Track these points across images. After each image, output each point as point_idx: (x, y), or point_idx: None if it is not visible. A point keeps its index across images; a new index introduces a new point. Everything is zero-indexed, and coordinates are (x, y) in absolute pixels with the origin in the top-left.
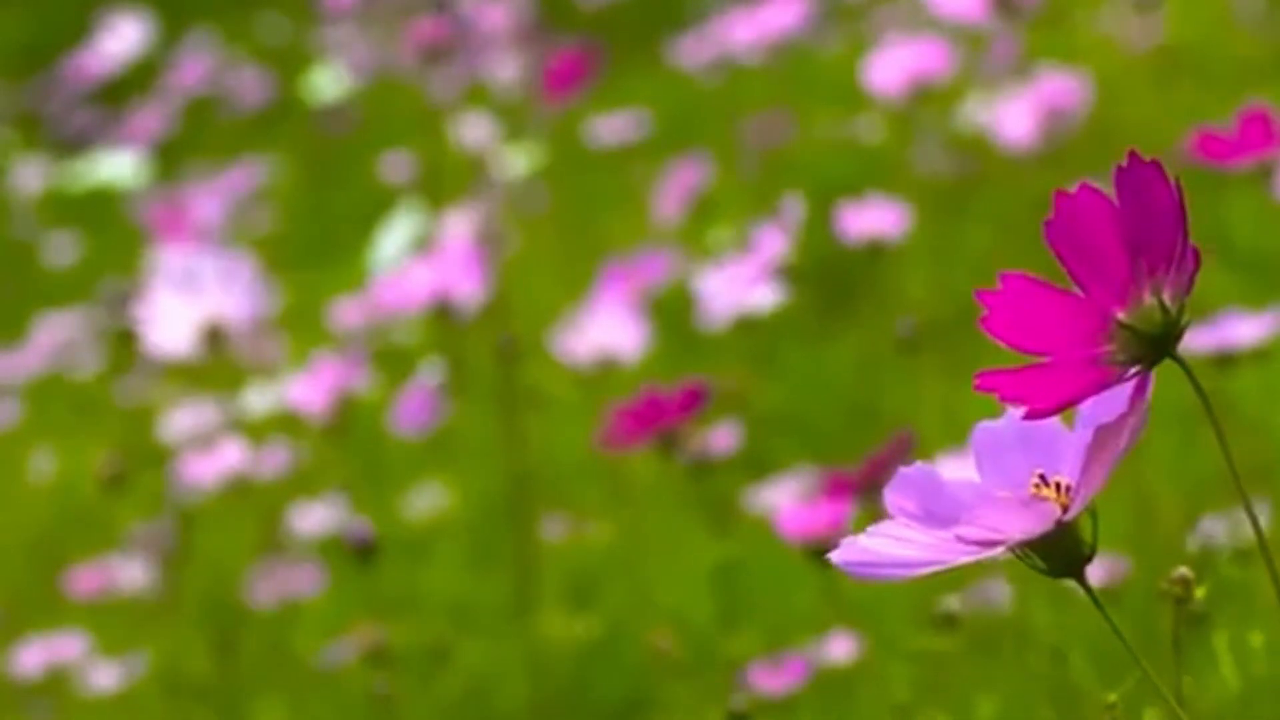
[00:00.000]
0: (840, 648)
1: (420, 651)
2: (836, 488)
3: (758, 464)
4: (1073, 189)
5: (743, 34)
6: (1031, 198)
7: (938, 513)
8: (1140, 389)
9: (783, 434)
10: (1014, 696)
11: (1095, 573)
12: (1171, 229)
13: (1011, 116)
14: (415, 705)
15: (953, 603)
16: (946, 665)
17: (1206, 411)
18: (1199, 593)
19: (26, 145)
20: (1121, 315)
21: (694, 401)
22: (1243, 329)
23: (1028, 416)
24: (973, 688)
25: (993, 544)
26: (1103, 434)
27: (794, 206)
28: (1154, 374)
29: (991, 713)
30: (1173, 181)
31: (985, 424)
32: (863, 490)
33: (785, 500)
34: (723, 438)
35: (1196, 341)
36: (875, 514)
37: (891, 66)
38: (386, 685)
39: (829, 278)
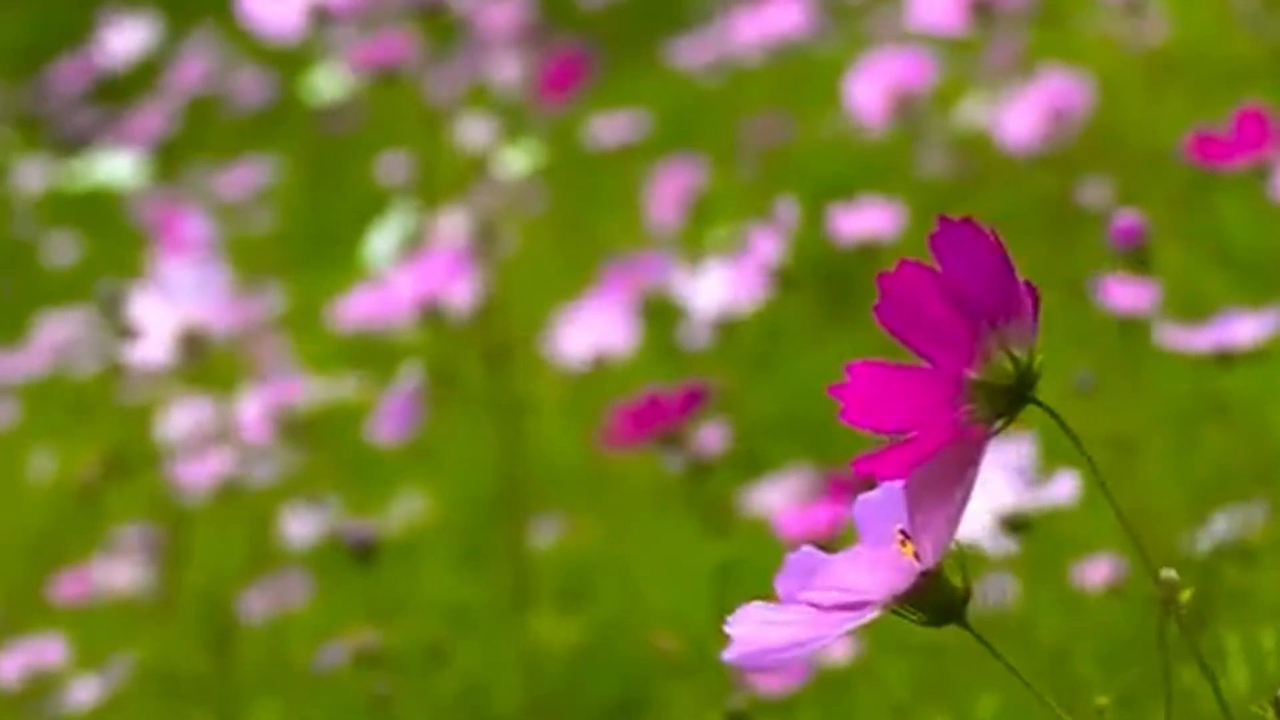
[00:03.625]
0: (839, 647)
1: (415, 653)
2: (836, 488)
3: (753, 465)
4: (892, 269)
5: (743, 34)
6: (1031, 198)
7: (815, 589)
8: (980, 439)
9: (778, 435)
10: (1014, 696)
11: (1097, 572)
12: (1000, 281)
13: (1013, 117)
14: (411, 706)
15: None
16: (946, 664)
17: (1087, 460)
18: (1184, 596)
19: (27, 145)
20: (973, 375)
21: (693, 402)
22: (1241, 328)
23: (905, 489)
24: (972, 687)
25: (861, 606)
26: (927, 481)
27: (789, 208)
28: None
29: (991, 712)
30: (989, 234)
31: (864, 496)
32: (861, 492)
33: (780, 501)
34: (718, 438)
35: (1195, 341)
36: None
37: (872, 81)
38: (385, 686)
39: (827, 278)
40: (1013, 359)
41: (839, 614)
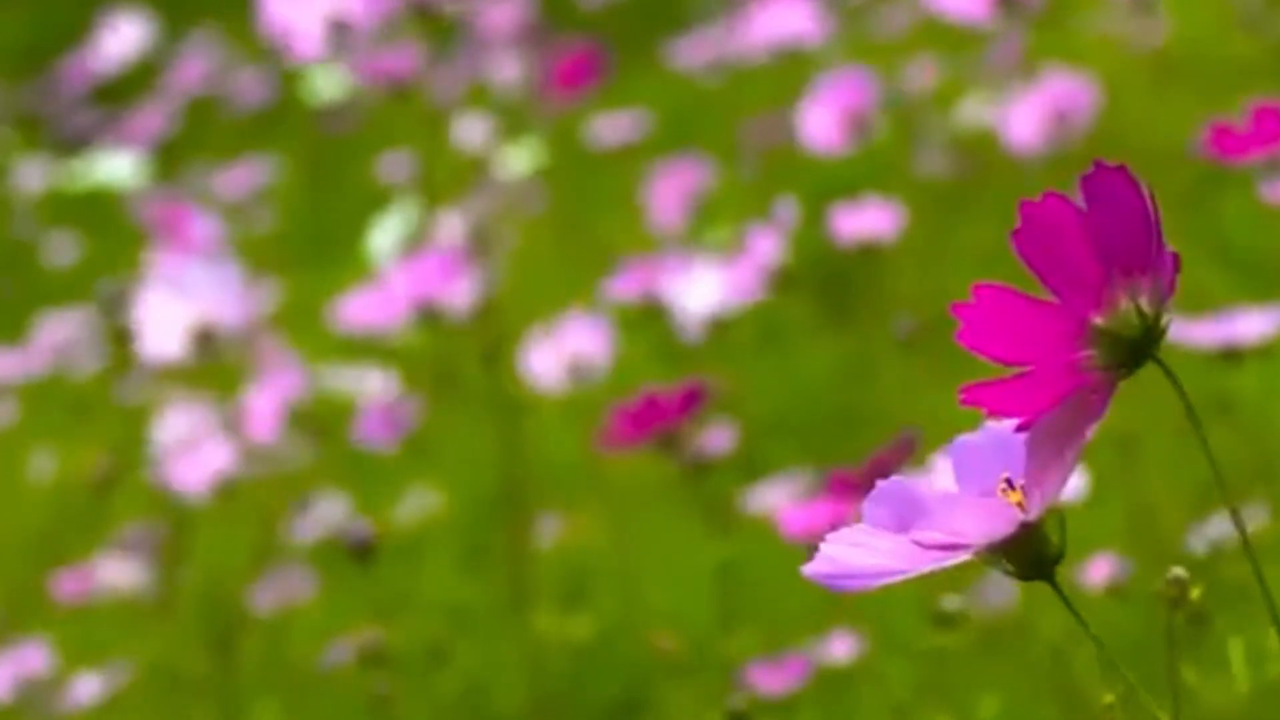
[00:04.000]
0: (840, 647)
1: (417, 653)
2: (839, 488)
3: (752, 465)
4: (1038, 198)
5: (743, 34)
6: (1031, 198)
7: (911, 523)
8: (1102, 392)
9: (778, 435)
10: (1016, 695)
11: (1098, 572)
12: (1142, 233)
13: (1016, 118)
14: (412, 706)
15: (954, 601)
16: (948, 664)
17: (1190, 416)
18: (1194, 593)
19: (27, 145)
20: (1098, 320)
21: (692, 402)
22: (1246, 325)
23: (1017, 429)
24: (974, 687)
25: (956, 548)
26: (1046, 432)
27: (788, 208)
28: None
29: (993, 712)
30: (1142, 186)
31: (962, 438)
32: (865, 490)
33: (780, 501)
34: (719, 438)
35: (1200, 337)
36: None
37: (825, 106)
38: (385, 685)
39: (827, 279)
40: (1140, 312)
41: (931, 552)
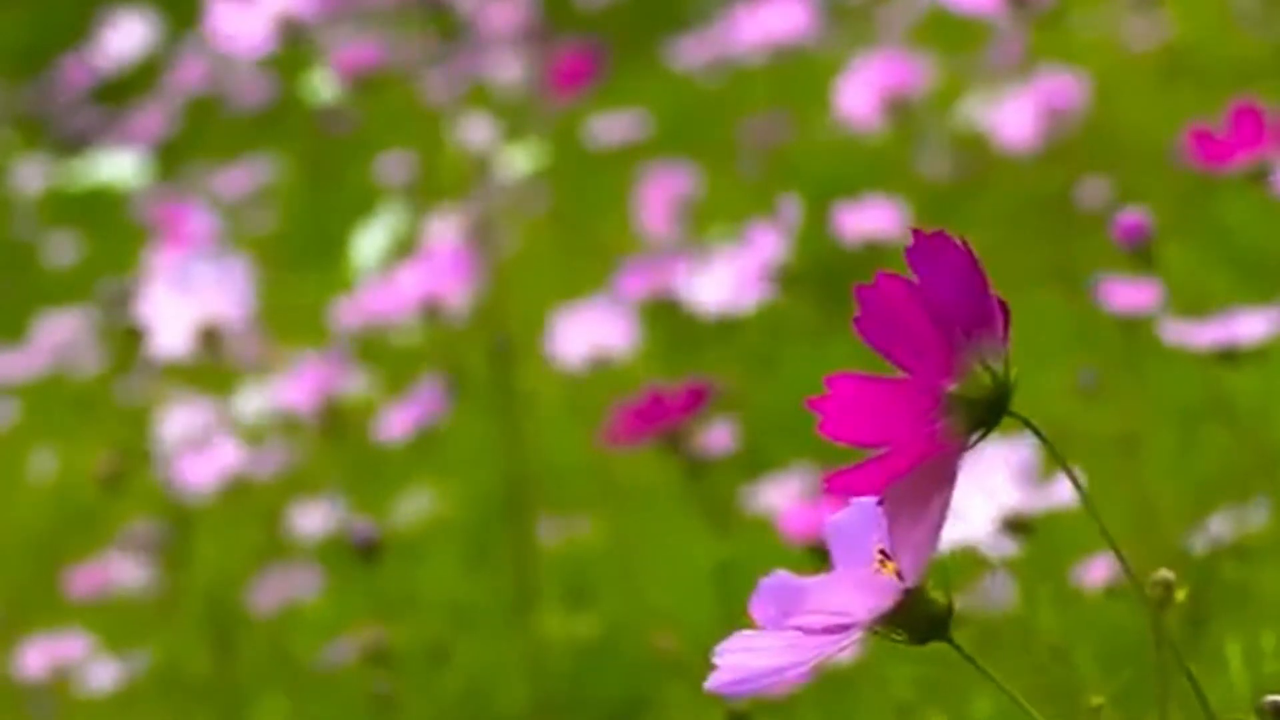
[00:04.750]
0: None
1: (419, 652)
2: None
3: (755, 464)
4: (871, 280)
5: (743, 35)
6: (1032, 198)
7: (794, 613)
8: (956, 451)
9: (781, 434)
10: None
11: (1099, 572)
12: (973, 292)
13: (1012, 117)
14: (415, 705)
15: (955, 601)
16: (948, 666)
17: (1072, 478)
18: (1180, 595)
19: (27, 145)
20: (951, 387)
21: (696, 400)
22: (1245, 326)
23: (879, 504)
24: (974, 689)
25: (844, 628)
26: (903, 497)
27: (791, 207)
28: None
29: (994, 712)
30: (961, 245)
31: (833, 518)
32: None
33: (783, 500)
34: (721, 437)
35: (1199, 338)
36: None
37: (863, 85)
38: (388, 685)
39: (829, 277)
40: (990, 371)
41: (822, 637)
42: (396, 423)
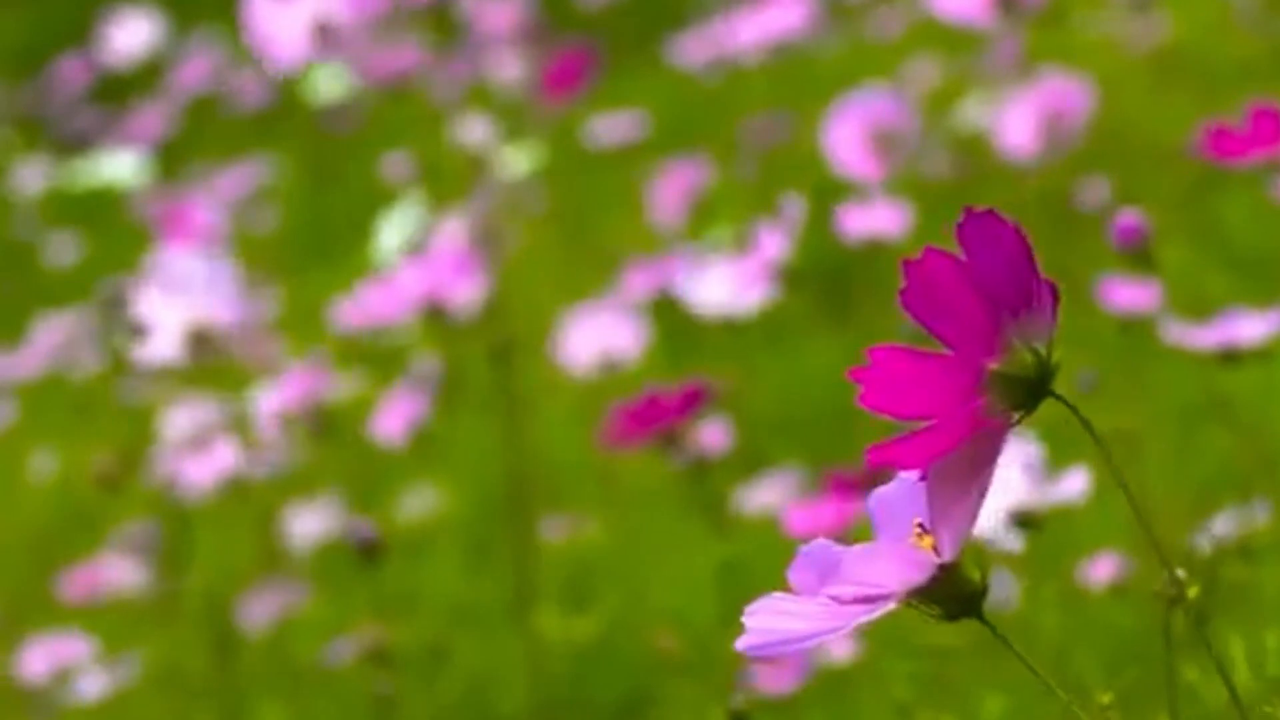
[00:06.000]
0: (841, 646)
1: (420, 652)
2: (840, 486)
3: (755, 464)
4: (919, 255)
5: (743, 34)
6: (1033, 198)
7: (831, 581)
8: (999, 430)
9: (781, 434)
10: (1020, 696)
11: (1101, 571)
12: (1022, 272)
13: (1013, 121)
14: (415, 705)
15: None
16: (949, 663)
17: (1103, 455)
18: (1191, 593)
19: (28, 145)
20: (993, 365)
21: (694, 401)
22: (1245, 327)
23: (923, 479)
24: (976, 686)
25: (879, 599)
26: (946, 475)
27: (794, 206)
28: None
29: (994, 712)
30: (1012, 225)
31: (879, 490)
32: (868, 489)
33: (783, 500)
34: (720, 437)
35: (1200, 339)
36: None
37: (849, 127)
38: (388, 685)
39: (829, 278)
40: (1033, 352)
41: (855, 607)
42: (389, 421)
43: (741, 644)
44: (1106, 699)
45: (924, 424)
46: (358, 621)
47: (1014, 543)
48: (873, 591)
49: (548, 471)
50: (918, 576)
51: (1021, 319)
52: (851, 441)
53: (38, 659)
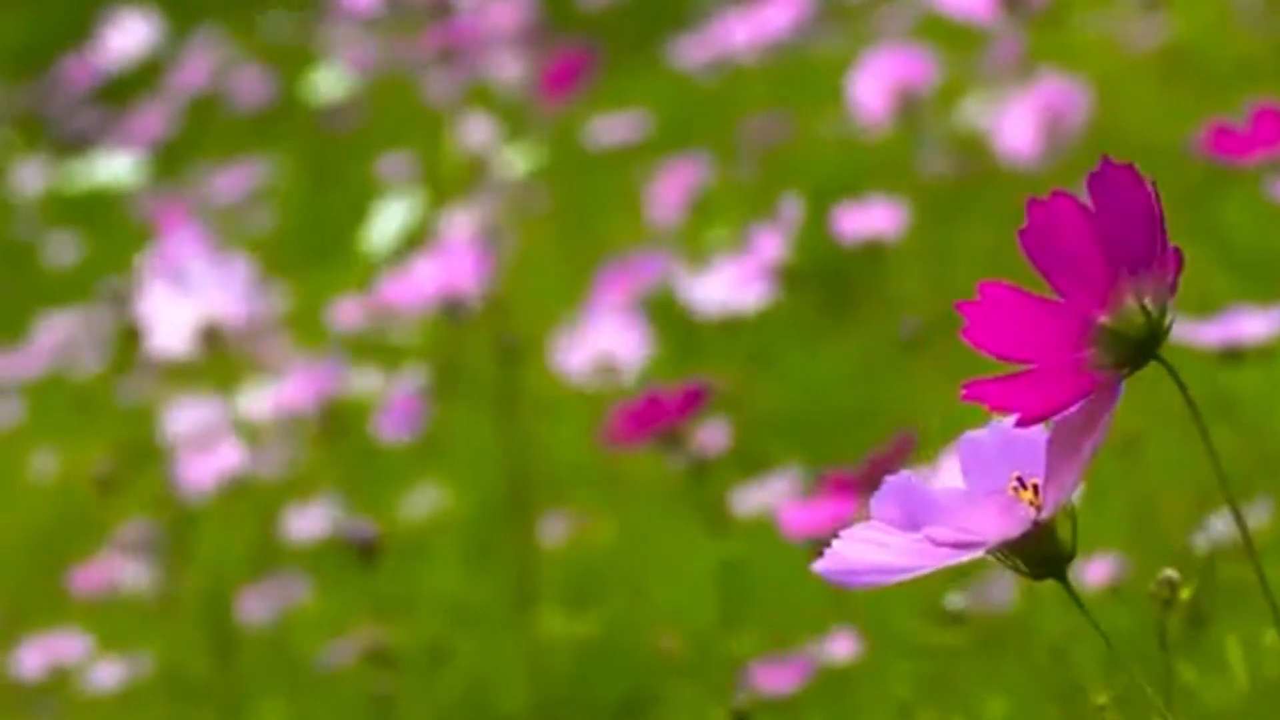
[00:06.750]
0: (843, 646)
1: (420, 652)
2: (839, 486)
3: (755, 464)
4: (1045, 197)
5: (742, 34)
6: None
7: (921, 520)
8: (1111, 390)
9: (781, 434)
10: (1018, 695)
11: (1098, 572)
12: (1147, 231)
13: (1013, 123)
14: (415, 705)
15: (957, 600)
16: (950, 663)
17: (1194, 417)
18: (1184, 593)
19: (27, 145)
20: (1103, 319)
21: (694, 401)
22: (1249, 325)
23: (1017, 424)
24: (977, 686)
25: (970, 546)
26: (1064, 431)
27: (792, 206)
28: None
29: (996, 712)
30: (1147, 184)
31: (970, 434)
32: (866, 489)
33: (783, 500)
34: (719, 437)
35: (1202, 337)
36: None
37: (875, 79)
38: (388, 685)
39: (828, 278)
40: (1145, 311)
41: (944, 550)
42: (389, 420)
43: (819, 566)
44: (1102, 699)
45: (1021, 368)
46: (358, 621)
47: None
48: (966, 538)
49: (548, 471)
50: (1016, 529)
51: (1139, 277)
52: (854, 442)
53: (33, 657)
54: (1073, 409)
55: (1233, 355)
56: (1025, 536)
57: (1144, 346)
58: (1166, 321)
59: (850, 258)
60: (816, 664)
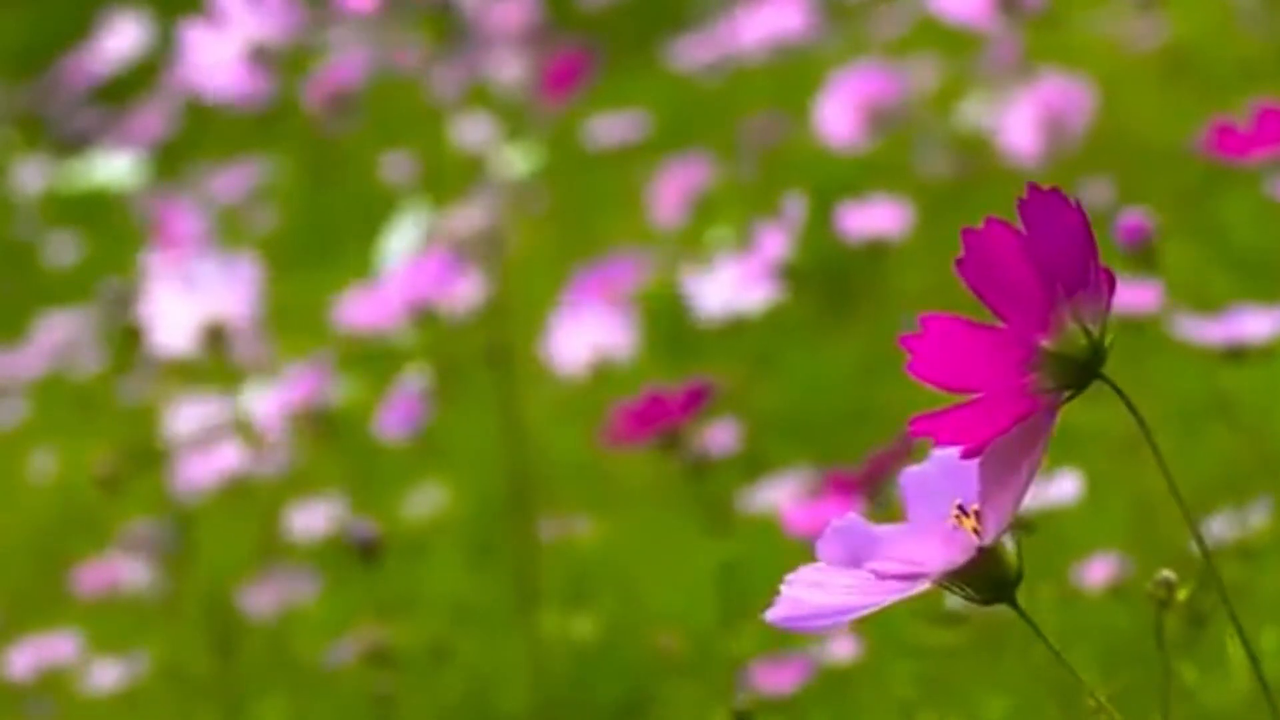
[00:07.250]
0: (843, 646)
1: (421, 651)
2: (840, 486)
3: (757, 464)
4: (979, 225)
5: (742, 34)
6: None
7: (865, 557)
8: (1050, 412)
9: (781, 434)
10: (1018, 695)
11: (1099, 572)
12: (1081, 252)
13: (1013, 123)
14: (416, 705)
15: (957, 600)
16: (950, 663)
17: (1144, 435)
18: (1181, 594)
19: (27, 145)
20: (1045, 343)
21: (696, 401)
22: (1249, 325)
23: (963, 456)
24: (977, 686)
25: (916, 577)
26: (1000, 454)
27: (795, 206)
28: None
29: (996, 711)
30: (1077, 206)
31: (911, 469)
32: (866, 488)
33: (784, 500)
34: (721, 437)
35: (1205, 336)
36: (878, 513)
37: (841, 100)
38: (389, 685)
39: (829, 278)
40: (1086, 332)
41: (890, 584)
42: (388, 422)
43: (772, 615)
44: (1099, 699)
45: (967, 398)
46: (359, 621)
47: (1008, 545)
48: (910, 569)
49: (548, 471)
50: (959, 557)
51: (1077, 299)
52: (856, 442)
53: (25, 658)
54: (1007, 434)
55: (1233, 355)
56: (970, 564)
57: (1087, 367)
58: (1108, 341)
59: (851, 257)
60: (817, 664)
